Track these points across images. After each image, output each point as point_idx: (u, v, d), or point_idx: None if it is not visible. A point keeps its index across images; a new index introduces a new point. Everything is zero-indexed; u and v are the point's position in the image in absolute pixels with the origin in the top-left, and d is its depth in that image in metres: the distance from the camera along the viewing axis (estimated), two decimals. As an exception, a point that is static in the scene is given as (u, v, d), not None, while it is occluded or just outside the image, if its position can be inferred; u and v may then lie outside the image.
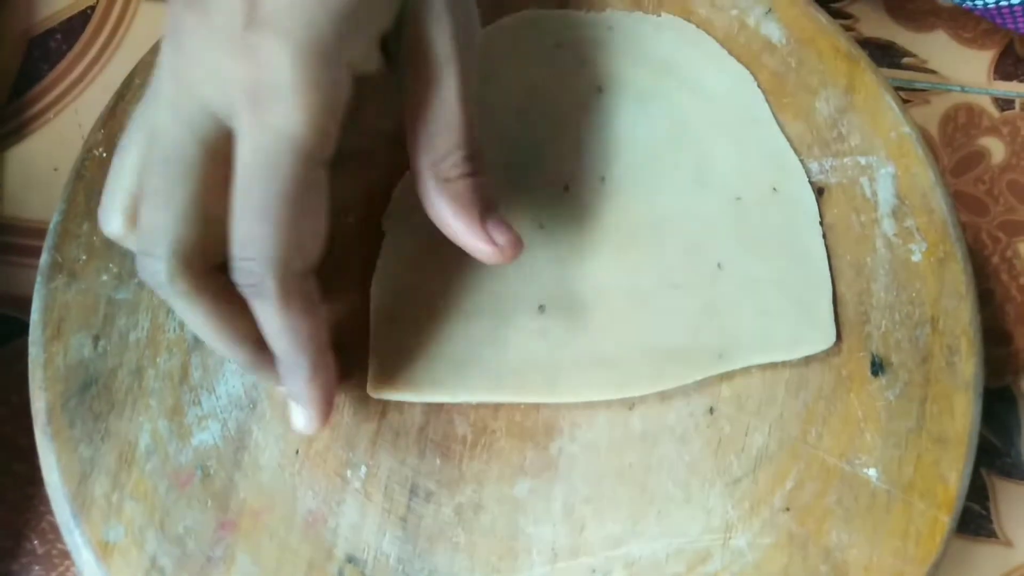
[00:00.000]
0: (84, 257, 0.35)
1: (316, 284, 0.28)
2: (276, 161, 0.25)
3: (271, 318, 0.27)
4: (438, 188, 0.28)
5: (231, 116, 0.25)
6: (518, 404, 0.33)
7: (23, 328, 0.35)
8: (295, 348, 0.27)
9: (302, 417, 0.29)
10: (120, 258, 0.35)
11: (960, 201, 0.47)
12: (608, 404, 0.33)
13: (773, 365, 0.33)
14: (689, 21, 0.38)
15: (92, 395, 0.33)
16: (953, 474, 0.32)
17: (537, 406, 0.33)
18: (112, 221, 0.28)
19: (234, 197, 0.25)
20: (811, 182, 0.36)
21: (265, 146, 0.25)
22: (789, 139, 0.36)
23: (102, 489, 0.32)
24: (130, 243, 0.28)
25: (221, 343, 0.28)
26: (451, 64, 0.28)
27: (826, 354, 0.34)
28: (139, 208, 0.27)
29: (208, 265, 0.27)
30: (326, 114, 0.25)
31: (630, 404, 0.33)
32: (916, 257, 0.35)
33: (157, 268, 0.26)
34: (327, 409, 0.29)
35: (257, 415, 0.33)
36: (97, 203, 0.36)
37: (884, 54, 0.50)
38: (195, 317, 0.28)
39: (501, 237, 0.29)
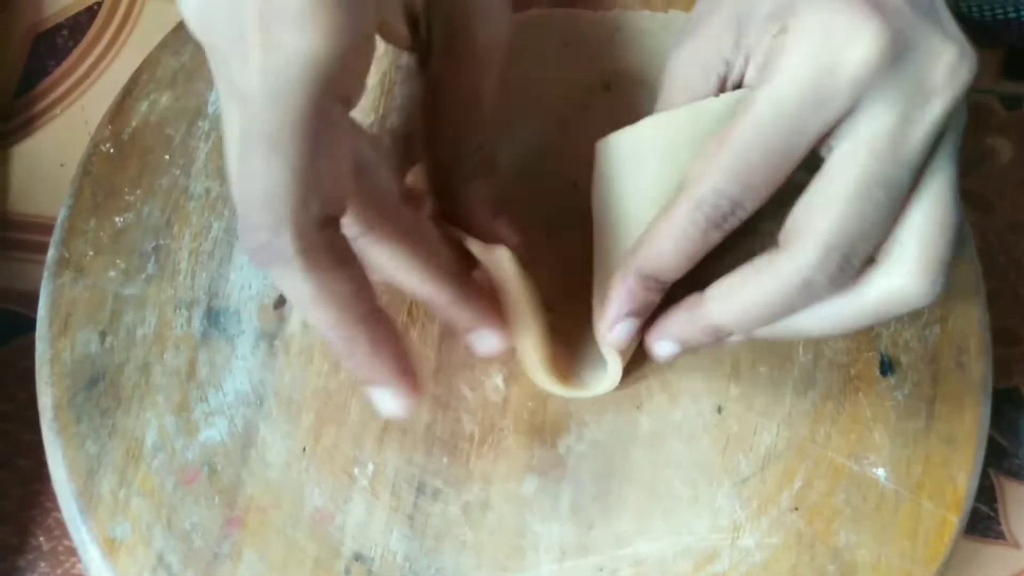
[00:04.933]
0: (91, 253, 0.35)
1: (346, 242, 0.24)
2: (285, 86, 0.22)
3: (297, 284, 0.23)
4: (464, 182, 0.28)
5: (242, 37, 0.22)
6: (525, 402, 0.33)
7: (30, 324, 0.35)
8: (338, 318, 0.24)
9: (386, 399, 0.26)
10: (127, 254, 0.35)
11: (967, 200, 0.46)
12: (616, 403, 0.33)
13: (781, 363, 0.33)
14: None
15: (99, 391, 0.33)
16: (962, 474, 0.32)
17: (544, 403, 0.33)
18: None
19: (239, 142, 0.22)
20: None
21: (274, 67, 0.22)
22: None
23: (109, 485, 0.32)
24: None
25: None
26: (493, 57, 0.27)
27: (835, 353, 0.33)
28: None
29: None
30: (345, 40, 0.22)
31: (638, 403, 0.33)
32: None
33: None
34: (411, 381, 0.26)
35: (264, 412, 0.33)
36: (103, 199, 0.36)
37: (892, 53, 0.50)
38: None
39: (513, 237, 0.29)
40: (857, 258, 0.25)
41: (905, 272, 0.25)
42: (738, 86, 0.29)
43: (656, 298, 0.30)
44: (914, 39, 0.24)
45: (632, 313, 0.29)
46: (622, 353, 0.31)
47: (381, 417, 0.32)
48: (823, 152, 0.26)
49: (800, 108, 0.24)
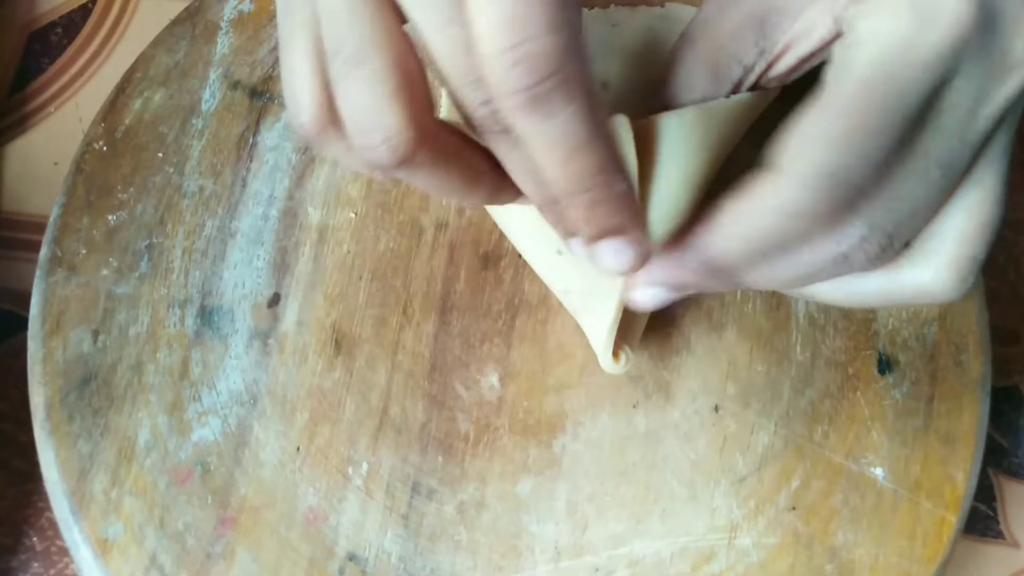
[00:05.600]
0: (84, 251, 0.35)
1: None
2: None
3: (574, 126, 0.21)
4: None
5: None
6: (520, 401, 0.33)
7: (22, 323, 0.35)
8: (606, 159, 0.22)
9: (623, 251, 0.23)
10: (120, 252, 0.35)
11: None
12: (612, 402, 0.32)
13: (779, 362, 0.33)
14: (695, 7, 0.38)
15: (91, 390, 0.33)
16: (960, 473, 0.32)
17: (540, 402, 0.33)
18: (307, 122, 0.23)
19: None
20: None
21: None
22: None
23: (101, 485, 0.31)
24: (329, 141, 0.24)
25: (486, 189, 0.24)
26: None
27: (832, 352, 0.33)
28: (338, 101, 0.23)
29: (436, 121, 0.23)
30: None
31: (634, 402, 0.33)
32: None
33: (389, 150, 0.22)
34: (643, 225, 0.24)
35: (258, 411, 0.32)
36: (97, 197, 0.36)
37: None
38: (445, 180, 0.23)
39: None
40: (900, 239, 0.24)
41: (937, 266, 0.24)
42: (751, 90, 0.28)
43: (700, 286, 0.26)
44: (1000, 4, 0.22)
45: (670, 286, 0.26)
46: (628, 339, 0.31)
47: (376, 416, 0.32)
48: None
49: (907, 65, 0.22)
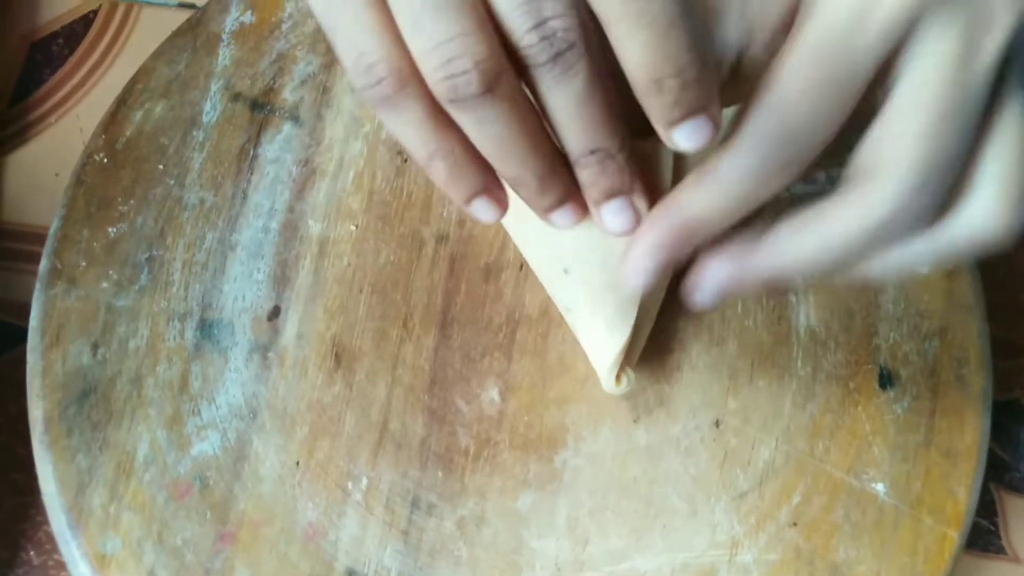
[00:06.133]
0: (84, 264, 0.35)
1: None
2: None
3: (663, 8, 0.22)
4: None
5: None
6: (521, 416, 0.32)
7: (22, 335, 0.35)
8: (695, 37, 0.23)
9: (704, 127, 0.24)
10: (120, 265, 0.35)
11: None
12: (613, 416, 0.32)
13: (780, 377, 0.33)
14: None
15: (91, 404, 0.33)
16: (962, 489, 0.32)
17: (541, 417, 0.32)
18: (390, 73, 0.23)
19: None
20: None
21: None
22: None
23: (100, 500, 0.31)
24: (403, 97, 0.24)
25: (545, 157, 0.25)
26: None
27: (833, 367, 0.33)
28: (418, 42, 0.23)
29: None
30: None
31: (635, 416, 0.32)
32: (924, 269, 0.34)
33: (479, 75, 0.23)
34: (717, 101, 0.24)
35: (257, 425, 0.32)
36: (97, 209, 0.36)
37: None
38: (515, 127, 0.24)
39: None
40: (942, 192, 0.24)
41: (985, 207, 0.25)
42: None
43: (686, 252, 0.27)
44: None
45: (658, 266, 0.27)
46: (628, 359, 0.31)
47: (376, 431, 0.32)
48: (880, 91, 0.25)
49: (851, 35, 0.23)
